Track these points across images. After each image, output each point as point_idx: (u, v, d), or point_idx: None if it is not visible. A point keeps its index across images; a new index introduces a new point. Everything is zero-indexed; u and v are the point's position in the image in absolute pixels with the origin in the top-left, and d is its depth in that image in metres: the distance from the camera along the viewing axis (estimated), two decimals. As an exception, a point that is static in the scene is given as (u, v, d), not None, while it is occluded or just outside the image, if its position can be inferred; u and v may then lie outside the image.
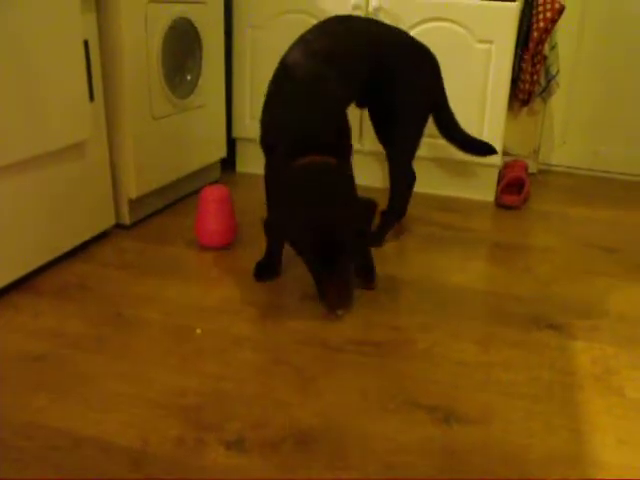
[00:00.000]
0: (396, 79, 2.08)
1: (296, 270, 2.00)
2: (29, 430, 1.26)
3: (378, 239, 2.22)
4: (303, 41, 1.90)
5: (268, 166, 1.87)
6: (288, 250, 2.01)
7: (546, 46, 2.93)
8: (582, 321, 1.76)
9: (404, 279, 1.97)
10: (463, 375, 1.50)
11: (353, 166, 1.90)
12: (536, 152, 3.27)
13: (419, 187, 2.77)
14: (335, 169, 1.71)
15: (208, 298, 1.81)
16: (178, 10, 2.33)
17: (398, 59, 2.09)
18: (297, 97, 1.77)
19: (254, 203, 2.62)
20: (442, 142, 2.69)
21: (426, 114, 2.22)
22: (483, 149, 2.35)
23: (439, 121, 2.28)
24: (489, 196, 2.81)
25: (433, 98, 2.22)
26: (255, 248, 2.15)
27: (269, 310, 1.76)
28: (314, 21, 2.70)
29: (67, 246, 2.01)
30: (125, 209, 2.28)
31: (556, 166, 3.39)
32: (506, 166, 2.97)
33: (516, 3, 2.51)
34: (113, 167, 2.21)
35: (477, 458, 1.22)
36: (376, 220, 2.16)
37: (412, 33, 2.64)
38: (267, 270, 1.97)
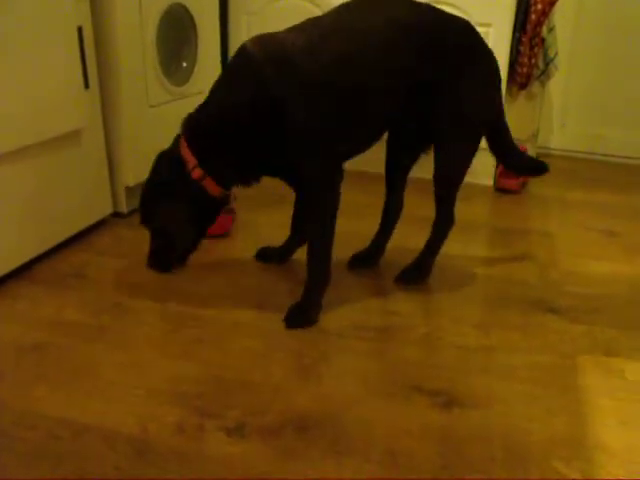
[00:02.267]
0: (451, 84, 1.64)
1: (295, 257, 1.99)
2: (30, 420, 1.25)
3: (424, 275, 1.88)
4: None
5: None
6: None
7: (544, 29, 2.90)
8: (582, 304, 1.76)
9: (403, 264, 1.96)
10: (464, 359, 1.49)
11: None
12: (535, 136, 3.25)
13: (416, 172, 2.75)
14: (162, 160, 1.65)
15: (206, 285, 1.81)
16: (173, -4, 2.31)
17: (457, 56, 1.64)
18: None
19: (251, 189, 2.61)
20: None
21: (481, 135, 1.80)
22: (537, 169, 1.95)
23: (493, 141, 1.88)
24: (488, 180, 2.80)
25: (492, 113, 1.81)
26: (252, 235, 2.14)
27: (267, 296, 1.76)
28: (311, 7, 2.68)
29: (64, 235, 2.00)
30: (122, 197, 2.27)
31: (555, 150, 3.37)
32: (505, 150, 2.96)
33: (514, -15, 2.49)
34: (109, 155, 2.19)
35: (478, 443, 1.22)
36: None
37: (409, 17, 2.62)
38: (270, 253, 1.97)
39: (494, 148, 1.89)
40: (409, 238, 2.02)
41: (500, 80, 1.76)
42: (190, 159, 1.58)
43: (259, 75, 1.48)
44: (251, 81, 1.50)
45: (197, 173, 1.58)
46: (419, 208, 2.00)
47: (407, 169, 1.91)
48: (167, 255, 1.71)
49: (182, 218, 1.64)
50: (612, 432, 1.26)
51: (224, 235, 2.14)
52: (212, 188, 1.61)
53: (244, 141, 1.54)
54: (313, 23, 1.57)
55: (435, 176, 1.77)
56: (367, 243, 1.98)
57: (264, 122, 1.50)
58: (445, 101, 1.65)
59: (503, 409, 1.32)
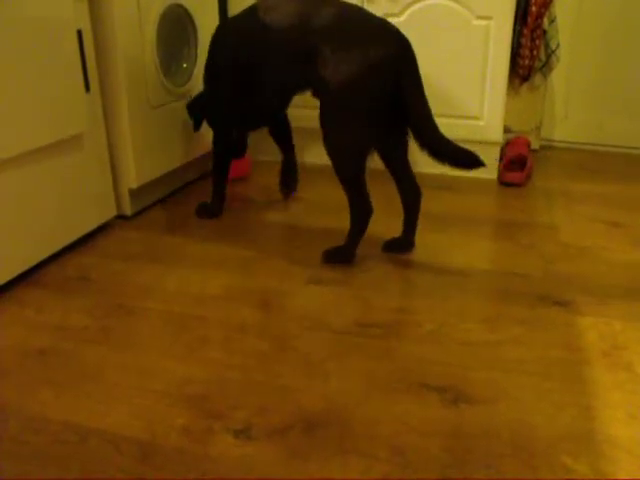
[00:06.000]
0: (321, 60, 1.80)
1: (299, 254, 1.99)
2: (36, 424, 1.25)
3: (347, 255, 1.95)
4: None
5: None
6: (298, 234, 2.00)
7: (545, 20, 2.90)
8: (589, 297, 1.75)
9: (408, 260, 1.96)
10: (470, 355, 1.49)
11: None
12: (538, 128, 3.24)
13: (420, 167, 2.75)
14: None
15: (211, 286, 1.80)
16: (171, -4, 2.30)
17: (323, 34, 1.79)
18: None
19: (251, 189, 2.61)
20: (440, 120, 2.67)
21: (359, 115, 1.78)
22: (469, 161, 1.79)
23: (411, 126, 1.81)
24: (492, 174, 2.79)
25: (374, 94, 1.76)
26: (251, 234, 2.14)
27: (273, 296, 1.75)
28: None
29: (69, 239, 2.00)
30: (126, 200, 2.27)
31: (558, 142, 3.36)
32: (508, 143, 2.95)
33: (513, -23, 2.48)
34: (112, 158, 2.19)
35: (486, 438, 1.22)
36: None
37: (409, 11, 2.61)
38: (211, 210, 2.33)
39: (415, 134, 1.80)
40: (416, 238, 2.02)
41: (386, 63, 1.73)
42: None
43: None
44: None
45: None
46: (425, 202, 1.99)
47: (394, 152, 1.93)
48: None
49: None
50: (621, 426, 1.25)
51: (243, 178, 2.71)
52: None
53: None
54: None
55: None
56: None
57: None
58: (314, 72, 1.82)
59: (510, 404, 1.31)
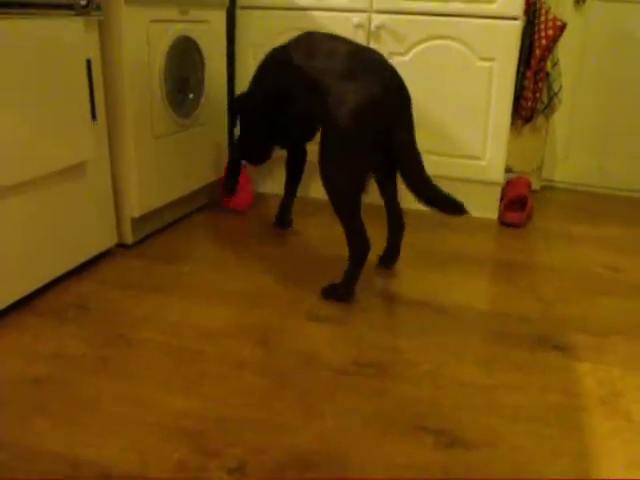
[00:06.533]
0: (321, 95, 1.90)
1: (299, 289, 1.98)
2: (29, 454, 1.24)
3: (345, 292, 1.94)
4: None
5: None
6: (298, 268, 2.00)
7: (548, 63, 2.93)
8: (587, 342, 1.75)
9: (406, 300, 1.96)
10: (467, 398, 1.48)
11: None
12: (539, 169, 3.26)
13: (421, 205, 2.75)
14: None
15: (211, 319, 1.80)
16: (180, 29, 2.33)
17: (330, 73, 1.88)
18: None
19: (253, 222, 2.62)
20: (442, 159, 2.69)
21: (355, 150, 1.83)
22: (453, 207, 1.84)
23: (399, 166, 1.85)
24: (492, 214, 2.80)
25: (369, 128, 1.80)
26: (256, 271, 2.14)
27: (272, 332, 1.75)
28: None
29: (68, 266, 2.00)
30: (127, 228, 2.27)
31: (559, 182, 3.38)
32: (509, 183, 2.97)
33: (518, 21, 2.51)
34: (115, 186, 2.20)
35: (482, 484, 1.21)
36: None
37: (413, 51, 2.64)
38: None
39: (402, 174, 1.86)
40: (415, 277, 2.01)
41: (373, 105, 1.79)
42: None
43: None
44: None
45: None
46: (425, 241, 2.00)
47: (384, 173, 2.07)
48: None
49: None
50: (619, 475, 1.24)
51: (244, 211, 2.74)
52: None
53: None
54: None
55: None
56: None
57: None
58: (319, 104, 1.89)
59: (507, 449, 1.30)
